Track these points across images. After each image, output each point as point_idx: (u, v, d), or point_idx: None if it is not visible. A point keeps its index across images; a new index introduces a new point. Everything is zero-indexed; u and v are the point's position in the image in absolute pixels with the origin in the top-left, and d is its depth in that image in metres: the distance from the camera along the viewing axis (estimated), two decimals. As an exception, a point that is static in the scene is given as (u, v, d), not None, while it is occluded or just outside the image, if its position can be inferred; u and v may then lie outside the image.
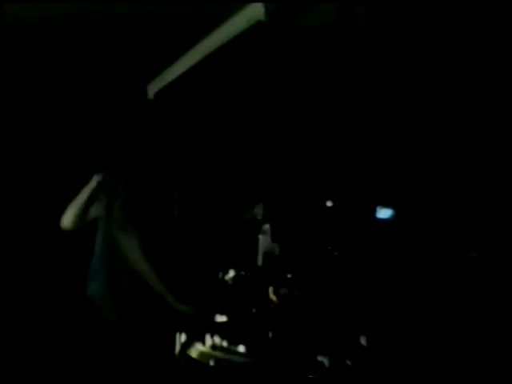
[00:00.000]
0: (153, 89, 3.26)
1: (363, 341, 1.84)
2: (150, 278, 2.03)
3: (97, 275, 2.16)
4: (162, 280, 2.04)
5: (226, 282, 2.26)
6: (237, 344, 1.85)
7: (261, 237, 2.41)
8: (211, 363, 1.83)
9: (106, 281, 2.11)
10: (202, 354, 1.89)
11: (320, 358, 1.76)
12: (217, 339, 1.88)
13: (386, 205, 2.56)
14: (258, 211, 2.51)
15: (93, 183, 2.16)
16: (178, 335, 2.10)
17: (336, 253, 2.34)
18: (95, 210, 2.21)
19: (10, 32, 2.63)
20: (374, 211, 2.58)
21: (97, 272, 2.17)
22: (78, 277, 2.30)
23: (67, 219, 2.20)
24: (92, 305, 2.13)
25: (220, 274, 2.30)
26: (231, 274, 2.27)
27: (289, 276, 2.20)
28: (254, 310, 2.03)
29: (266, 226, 2.42)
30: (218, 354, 1.85)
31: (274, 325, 1.91)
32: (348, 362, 1.76)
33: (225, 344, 1.87)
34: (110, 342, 2.05)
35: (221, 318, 2.01)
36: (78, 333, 2.18)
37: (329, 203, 2.61)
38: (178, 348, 2.07)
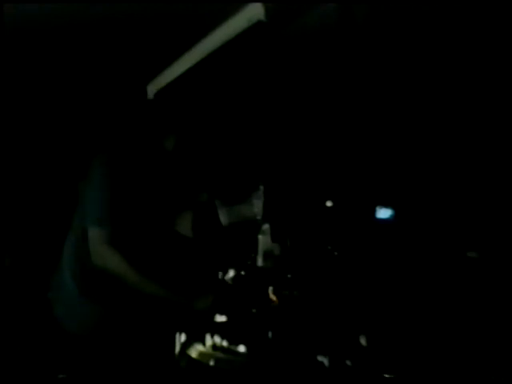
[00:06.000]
0: (153, 89, 3.26)
1: (363, 341, 1.84)
2: (150, 288, 1.95)
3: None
4: (164, 285, 1.96)
5: (226, 281, 2.26)
6: (237, 344, 1.85)
7: (260, 237, 2.41)
8: (211, 363, 1.83)
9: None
10: (201, 353, 1.89)
11: (320, 358, 1.76)
12: (217, 339, 1.88)
13: (385, 205, 2.56)
14: (258, 211, 2.51)
15: None
16: (177, 335, 2.10)
17: (336, 253, 2.34)
18: None
19: (9, 32, 2.63)
20: (374, 211, 2.58)
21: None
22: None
23: None
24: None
25: (220, 274, 2.30)
26: (231, 273, 2.27)
27: (289, 276, 2.19)
28: (254, 310, 2.03)
29: (266, 226, 2.42)
30: (218, 354, 1.85)
31: (274, 325, 1.91)
32: (348, 362, 1.76)
33: (225, 344, 1.87)
34: (103, 346, 2.04)
35: (221, 318, 2.01)
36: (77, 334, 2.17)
37: (328, 203, 2.61)
38: (177, 348, 2.07)
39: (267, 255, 2.37)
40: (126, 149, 2.11)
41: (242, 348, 1.84)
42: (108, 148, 2.12)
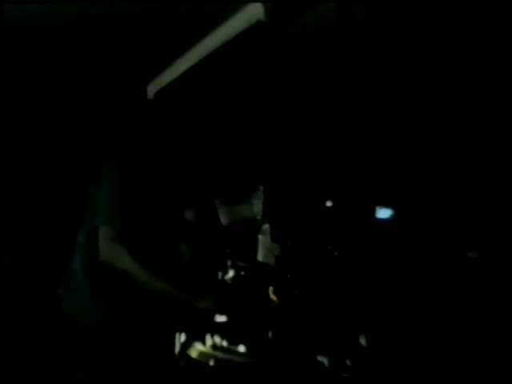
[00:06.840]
0: (153, 89, 3.26)
1: (363, 341, 1.84)
2: (158, 286, 1.96)
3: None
4: (171, 283, 1.97)
5: (226, 281, 2.26)
6: (237, 344, 1.85)
7: (260, 237, 2.41)
8: (211, 363, 1.83)
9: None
10: (201, 353, 1.89)
11: (320, 358, 1.77)
12: (217, 339, 1.88)
13: (385, 205, 2.56)
14: (258, 211, 2.51)
15: None
16: (177, 335, 2.10)
17: (336, 253, 2.34)
18: None
19: (9, 32, 2.63)
20: (374, 211, 2.58)
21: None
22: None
23: None
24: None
25: (220, 274, 2.30)
26: (231, 273, 2.27)
27: (289, 276, 2.20)
28: (253, 310, 2.03)
29: (266, 226, 2.42)
30: (218, 354, 1.85)
31: (274, 325, 1.91)
32: (348, 362, 1.76)
33: (225, 344, 1.87)
34: (108, 343, 2.04)
35: (221, 318, 2.01)
36: (77, 333, 2.17)
37: (328, 203, 2.61)
38: (177, 348, 2.07)
39: (267, 255, 2.37)
40: (133, 149, 2.16)
41: (241, 348, 1.84)
42: (116, 149, 2.17)
